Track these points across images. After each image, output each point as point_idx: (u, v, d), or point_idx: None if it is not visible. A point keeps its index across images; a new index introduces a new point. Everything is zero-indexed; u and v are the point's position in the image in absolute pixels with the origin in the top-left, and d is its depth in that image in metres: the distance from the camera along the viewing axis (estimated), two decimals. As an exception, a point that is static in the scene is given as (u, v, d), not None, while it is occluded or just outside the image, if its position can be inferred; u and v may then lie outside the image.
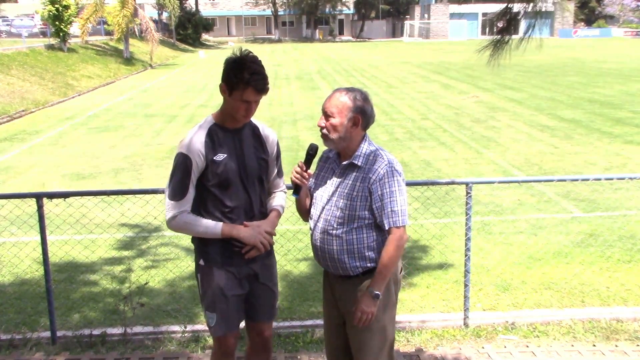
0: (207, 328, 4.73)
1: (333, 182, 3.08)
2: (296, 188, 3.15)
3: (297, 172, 3.10)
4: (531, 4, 4.15)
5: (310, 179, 3.21)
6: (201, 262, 3.22)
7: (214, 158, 3.08)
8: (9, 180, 10.50)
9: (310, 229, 3.19)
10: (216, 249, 3.17)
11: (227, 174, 3.09)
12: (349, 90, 3.02)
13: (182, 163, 3.06)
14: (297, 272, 6.11)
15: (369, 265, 3.04)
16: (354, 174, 3.01)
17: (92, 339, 4.61)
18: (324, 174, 3.16)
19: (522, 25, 4.37)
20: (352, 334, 3.14)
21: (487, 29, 62.99)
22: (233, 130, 3.16)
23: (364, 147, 3.03)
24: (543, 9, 4.15)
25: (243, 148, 3.16)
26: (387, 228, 2.97)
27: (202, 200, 3.15)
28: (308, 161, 3.13)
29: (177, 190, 3.08)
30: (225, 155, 3.10)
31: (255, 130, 3.24)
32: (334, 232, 3.03)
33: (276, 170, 3.33)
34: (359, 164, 3.00)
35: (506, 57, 4.30)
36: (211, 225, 3.10)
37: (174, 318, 5.06)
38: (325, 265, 3.16)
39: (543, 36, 4.34)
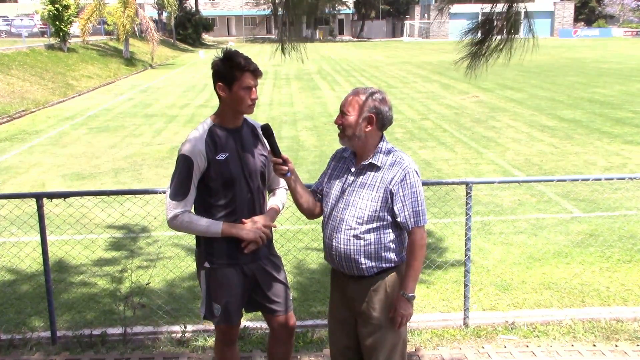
0: (207, 328, 4.77)
1: (350, 181, 3.07)
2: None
3: (276, 166, 3.05)
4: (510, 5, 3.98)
5: (324, 178, 3.22)
6: (206, 265, 3.27)
7: (217, 158, 3.13)
8: (9, 180, 10.49)
9: (324, 227, 3.17)
10: (222, 249, 3.22)
11: (230, 173, 3.15)
12: (367, 89, 3.06)
13: (184, 164, 3.11)
14: (296, 272, 6.11)
15: (384, 265, 3.05)
16: (373, 173, 3.02)
17: (92, 339, 4.61)
18: (339, 173, 3.15)
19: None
20: (365, 334, 3.12)
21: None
22: (233, 130, 3.22)
23: (383, 148, 3.05)
24: (521, 10, 3.99)
25: (244, 146, 3.22)
26: (410, 229, 3.00)
27: (205, 200, 3.20)
28: (272, 146, 3.08)
29: (178, 190, 3.13)
30: (227, 154, 3.15)
31: (253, 129, 3.31)
32: (352, 232, 3.01)
33: None
34: (379, 164, 3.01)
35: (483, 66, 4.20)
36: (212, 224, 3.16)
37: (174, 318, 5.06)
38: (338, 265, 3.12)
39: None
